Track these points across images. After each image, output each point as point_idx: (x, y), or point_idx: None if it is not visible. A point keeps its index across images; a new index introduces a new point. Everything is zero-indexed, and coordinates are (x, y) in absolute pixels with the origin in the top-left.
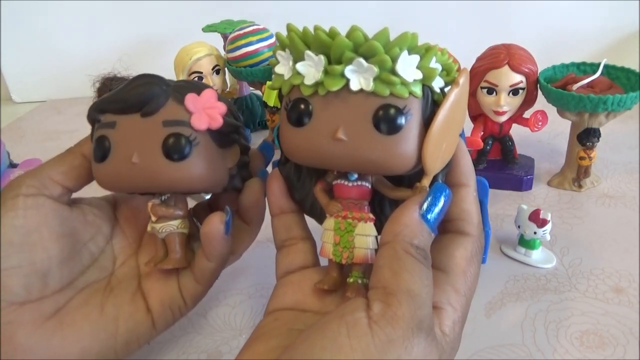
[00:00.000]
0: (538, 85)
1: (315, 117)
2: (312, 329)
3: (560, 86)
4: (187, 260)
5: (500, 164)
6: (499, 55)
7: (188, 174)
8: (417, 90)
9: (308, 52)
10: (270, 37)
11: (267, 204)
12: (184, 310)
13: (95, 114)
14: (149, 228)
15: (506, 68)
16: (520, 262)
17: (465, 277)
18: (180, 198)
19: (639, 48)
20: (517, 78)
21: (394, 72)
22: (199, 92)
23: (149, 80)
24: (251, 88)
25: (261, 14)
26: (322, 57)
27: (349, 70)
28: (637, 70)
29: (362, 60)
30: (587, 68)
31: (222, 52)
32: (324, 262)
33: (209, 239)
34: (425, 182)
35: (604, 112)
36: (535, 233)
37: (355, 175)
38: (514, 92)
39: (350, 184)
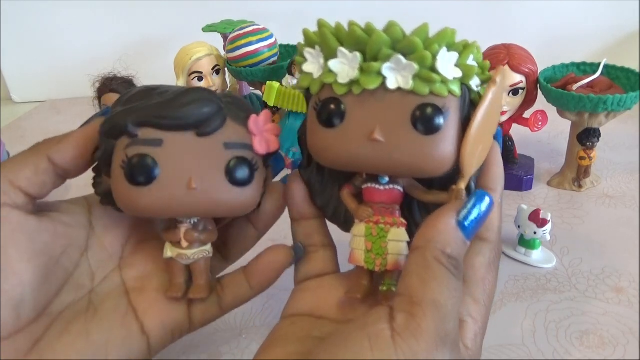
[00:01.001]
0: (538, 85)
1: (349, 117)
2: (334, 338)
3: (560, 86)
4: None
5: None
6: (499, 55)
7: (247, 199)
8: (456, 88)
9: (341, 48)
10: (270, 37)
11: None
12: (186, 332)
13: (129, 127)
14: (170, 254)
15: (506, 68)
16: (520, 262)
17: (484, 285)
18: (210, 220)
19: (639, 48)
20: (517, 78)
21: (434, 69)
22: (256, 113)
23: (204, 96)
24: (251, 88)
25: (261, 14)
26: (357, 54)
27: (386, 68)
28: (637, 70)
29: (401, 57)
30: (587, 68)
31: (222, 52)
32: (343, 267)
33: (269, 271)
34: (462, 184)
35: (604, 112)
36: (535, 233)
37: (387, 179)
38: (514, 92)
39: (382, 188)
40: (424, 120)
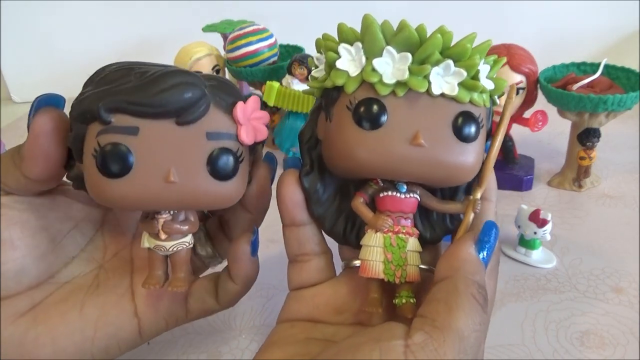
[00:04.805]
0: (538, 85)
1: (390, 120)
2: (342, 347)
3: (560, 86)
4: (192, 276)
5: (500, 164)
6: (499, 56)
7: (231, 193)
8: (488, 100)
9: (389, 47)
10: (270, 37)
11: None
12: (182, 322)
13: (101, 112)
14: (148, 244)
15: (506, 68)
16: (520, 262)
17: None
18: (191, 210)
19: (639, 48)
20: (517, 78)
21: (476, 78)
22: (243, 99)
23: (186, 80)
24: (251, 88)
25: (261, 14)
26: (408, 55)
27: (434, 73)
28: (637, 70)
29: (451, 62)
30: (587, 68)
31: (222, 52)
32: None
33: (236, 260)
34: (479, 194)
35: (604, 112)
36: (535, 233)
37: (405, 187)
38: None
39: (402, 196)
40: (465, 127)
